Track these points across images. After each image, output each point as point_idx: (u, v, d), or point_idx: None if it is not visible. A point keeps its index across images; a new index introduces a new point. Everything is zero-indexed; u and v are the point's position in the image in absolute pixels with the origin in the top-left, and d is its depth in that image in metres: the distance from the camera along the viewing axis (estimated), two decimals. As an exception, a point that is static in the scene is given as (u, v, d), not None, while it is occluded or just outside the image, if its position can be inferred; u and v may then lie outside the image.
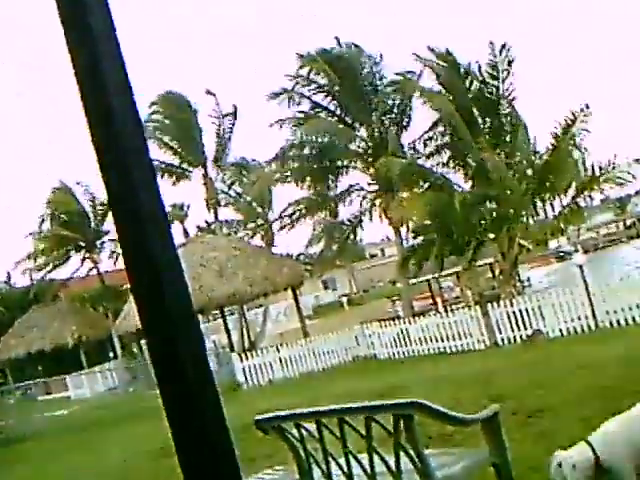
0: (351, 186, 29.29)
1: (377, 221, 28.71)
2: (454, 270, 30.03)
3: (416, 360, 19.55)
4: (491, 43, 22.42)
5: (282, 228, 31.34)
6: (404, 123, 27.49)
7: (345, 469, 4.31)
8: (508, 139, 22.63)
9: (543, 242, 28.22)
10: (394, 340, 21.63)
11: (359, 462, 4.20)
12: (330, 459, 4.43)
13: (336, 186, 29.44)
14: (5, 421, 21.71)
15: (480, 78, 22.69)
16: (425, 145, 25.09)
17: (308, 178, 28.95)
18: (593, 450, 4.02)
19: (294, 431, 4.71)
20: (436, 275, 32.52)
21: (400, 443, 3.99)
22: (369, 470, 4.11)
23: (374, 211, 28.50)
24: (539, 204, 22.61)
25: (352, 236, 30.67)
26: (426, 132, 24.76)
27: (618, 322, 16.89)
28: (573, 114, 21.44)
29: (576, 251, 54.49)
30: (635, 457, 4.02)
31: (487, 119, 22.73)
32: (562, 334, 17.70)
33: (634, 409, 4.20)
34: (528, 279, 35.39)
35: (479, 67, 22.67)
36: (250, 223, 36.33)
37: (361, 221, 29.35)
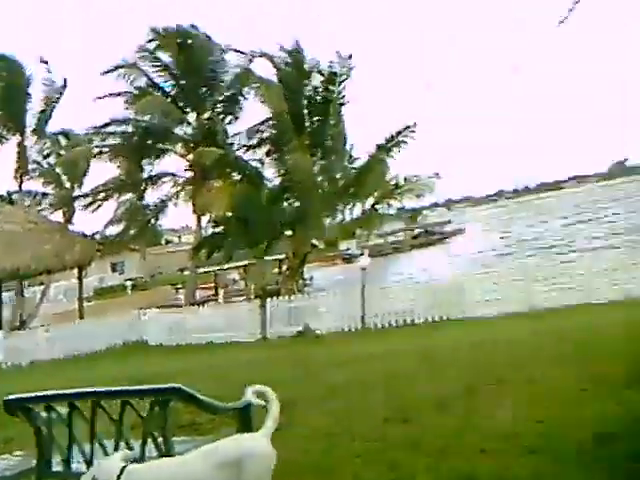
0: (163, 172, 28.60)
1: (183, 208, 28.31)
2: (242, 263, 30.21)
3: (188, 349, 19.39)
4: (337, 52, 23.21)
5: (87, 206, 29.85)
6: (236, 114, 27.27)
7: (88, 455, 4.16)
8: (329, 143, 23.24)
9: (334, 243, 29.09)
10: (169, 328, 21.31)
11: (103, 447, 4.08)
12: (75, 444, 4.24)
13: (151, 169, 28.52)
14: None
15: (320, 80, 23.31)
16: (249, 138, 25.11)
17: (122, 157, 27.80)
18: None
19: (44, 414, 4.46)
20: (225, 266, 32.62)
21: (149, 429, 3.94)
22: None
23: (181, 198, 27.97)
24: (341, 207, 23.55)
25: (153, 220, 29.88)
26: (255, 125, 24.78)
27: (382, 324, 17.77)
28: (397, 132, 22.77)
29: (361, 254, 56.64)
30: None
31: (314, 120, 23.34)
32: (332, 331, 18.27)
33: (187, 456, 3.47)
34: (311, 277, 36.28)
35: (320, 72, 23.31)
36: (55, 197, 34.15)
37: (166, 206, 28.62)
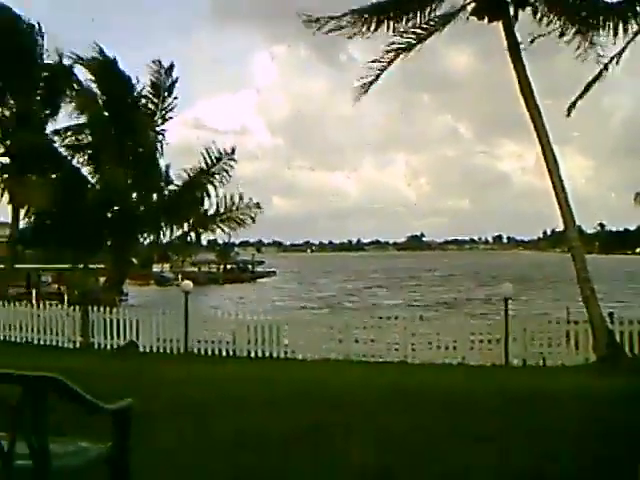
0: None
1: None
2: (58, 266, 29.39)
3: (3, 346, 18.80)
4: (157, 62, 23.04)
5: None
6: (54, 108, 26.22)
7: None
8: (146, 156, 23.10)
9: (149, 263, 28.96)
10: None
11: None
12: None
13: None
14: None
15: (142, 93, 23.14)
16: (65, 137, 24.25)
17: None
18: None
19: None
20: (40, 266, 31.56)
21: (19, 421, 3.51)
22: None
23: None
24: (156, 228, 23.42)
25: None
26: (73, 126, 24.04)
27: (205, 351, 18.29)
28: (216, 156, 22.90)
29: (175, 278, 56.32)
30: None
31: (131, 132, 22.87)
32: (154, 350, 18.48)
33: None
34: (126, 293, 35.90)
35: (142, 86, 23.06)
36: None
37: None
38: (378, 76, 16.75)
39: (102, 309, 19.53)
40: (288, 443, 6.31)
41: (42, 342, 19.63)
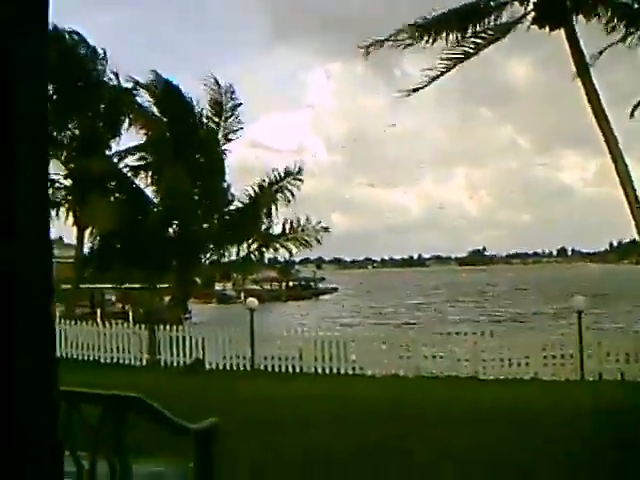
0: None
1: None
2: (126, 286, 29.74)
3: (73, 364, 19.00)
4: (215, 81, 23.19)
5: None
6: (116, 130, 26.61)
7: None
8: (208, 176, 23.24)
9: (211, 281, 29.05)
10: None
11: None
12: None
13: None
14: None
15: (202, 113, 23.33)
16: (125, 157, 24.63)
17: None
18: None
19: None
20: (104, 286, 32.02)
21: (101, 442, 3.51)
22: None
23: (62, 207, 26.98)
24: (219, 247, 23.54)
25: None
26: (136, 147, 24.42)
27: (272, 368, 18.15)
28: (280, 175, 22.93)
29: (238, 297, 56.60)
30: None
31: (194, 152, 23.19)
32: (220, 368, 18.43)
33: None
34: (190, 311, 36.15)
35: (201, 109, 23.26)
36: None
37: None
38: (430, 83, 16.56)
39: (168, 327, 19.64)
40: (356, 460, 6.12)
41: (109, 360, 19.79)
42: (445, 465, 6.01)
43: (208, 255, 24.11)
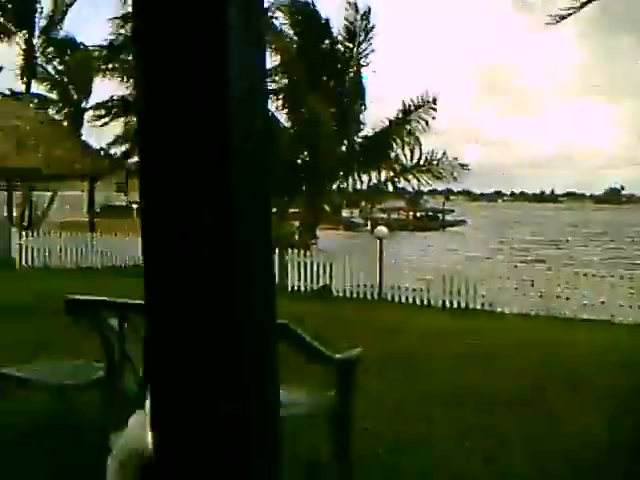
0: None
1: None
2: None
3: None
4: (353, 4, 22.52)
5: (97, 118, 29.20)
6: None
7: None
8: (345, 103, 22.89)
9: (339, 209, 29.02)
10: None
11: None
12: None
13: None
14: None
15: (337, 36, 22.82)
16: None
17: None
18: None
19: (112, 322, 4.11)
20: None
21: None
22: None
23: None
24: (350, 175, 23.33)
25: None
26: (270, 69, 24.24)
27: (399, 298, 17.95)
28: (416, 105, 22.25)
29: (365, 225, 56.82)
30: None
31: (331, 77, 22.83)
32: (347, 295, 18.39)
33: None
34: (317, 237, 36.40)
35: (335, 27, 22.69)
36: (63, 106, 33.42)
37: None
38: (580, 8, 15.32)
39: (296, 252, 19.74)
40: (506, 403, 5.85)
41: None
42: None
43: (338, 182, 23.95)
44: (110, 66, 26.70)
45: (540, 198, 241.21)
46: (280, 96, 23.18)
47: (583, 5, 15.41)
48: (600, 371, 7.52)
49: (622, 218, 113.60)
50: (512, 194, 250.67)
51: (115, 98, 28.31)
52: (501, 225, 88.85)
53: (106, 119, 28.41)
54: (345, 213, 60.51)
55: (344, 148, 23.42)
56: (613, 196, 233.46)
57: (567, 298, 16.71)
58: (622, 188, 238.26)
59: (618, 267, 37.18)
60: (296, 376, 4.66)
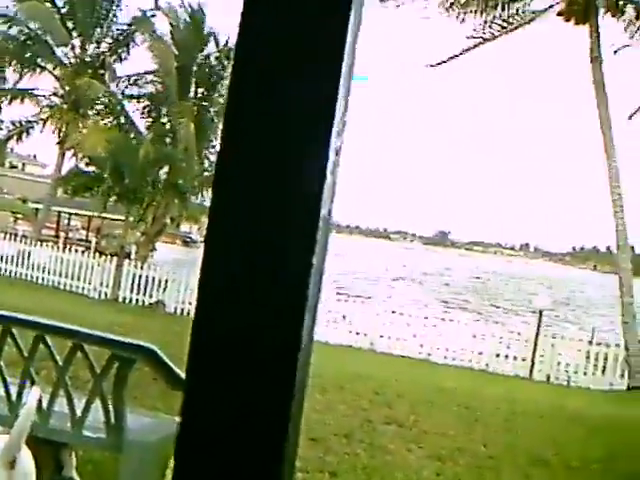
0: (28, 89, 26.29)
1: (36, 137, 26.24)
2: (90, 213, 29.15)
3: (33, 286, 18.67)
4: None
5: None
6: (122, 55, 25.70)
7: (14, 397, 3.45)
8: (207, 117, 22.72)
9: (179, 223, 28.74)
10: (11, 257, 20.48)
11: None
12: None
13: (17, 82, 25.91)
14: None
15: (218, 49, 22.68)
16: (129, 85, 24.07)
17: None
18: None
19: None
20: (70, 211, 31.49)
21: (101, 389, 3.32)
22: (45, 405, 3.34)
23: (48, 125, 25.91)
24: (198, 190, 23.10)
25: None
26: (140, 74, 23.76)
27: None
28: None
29: (203, 242, 56.32)
30: None
31: (201, 92, 22.57)
32: (177, 312, 17.99)
33: None
34: (155, 250, 35.75)
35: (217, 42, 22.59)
36: None
37: (32, 127, 25.72)
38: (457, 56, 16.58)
39: (135, 263, 19.29)
40: None
41: (67, 288, 19.38)
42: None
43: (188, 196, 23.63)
44: None
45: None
46: (143, 101, 22.75)
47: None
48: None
49: None
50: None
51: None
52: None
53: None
54: (184, 228, 59.55)
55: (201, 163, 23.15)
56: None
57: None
58: None
59: None
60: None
